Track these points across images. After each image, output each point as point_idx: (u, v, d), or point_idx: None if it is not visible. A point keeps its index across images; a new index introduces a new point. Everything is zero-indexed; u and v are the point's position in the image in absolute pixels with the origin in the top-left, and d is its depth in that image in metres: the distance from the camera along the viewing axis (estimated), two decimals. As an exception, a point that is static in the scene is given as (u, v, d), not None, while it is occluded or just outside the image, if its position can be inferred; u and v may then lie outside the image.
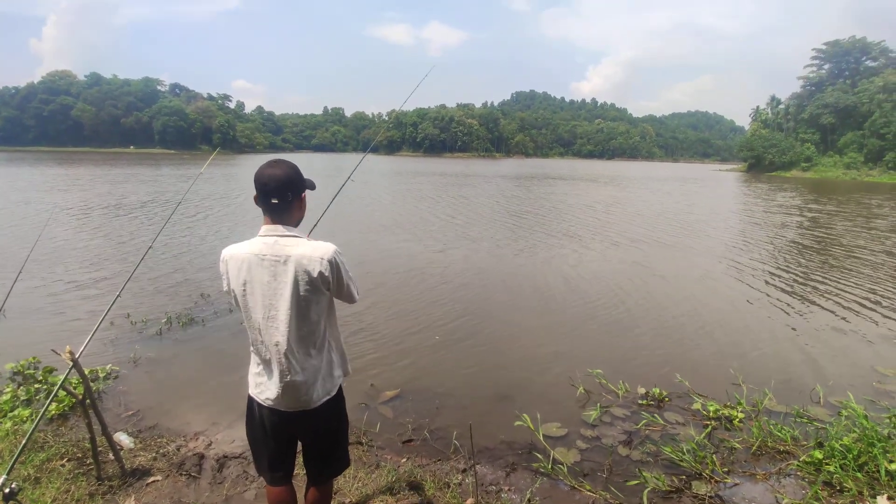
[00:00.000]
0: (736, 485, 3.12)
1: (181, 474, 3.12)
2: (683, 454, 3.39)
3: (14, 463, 2.12)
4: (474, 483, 3.02)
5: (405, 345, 5.60)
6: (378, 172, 43.70)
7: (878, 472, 2.98)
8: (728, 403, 4.19)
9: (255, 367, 1.98)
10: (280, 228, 1.84)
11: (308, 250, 1.81)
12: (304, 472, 2.20)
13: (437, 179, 36.96)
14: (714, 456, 3.39)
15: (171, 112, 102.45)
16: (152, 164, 49.17)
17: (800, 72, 77.91)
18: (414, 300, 7.26)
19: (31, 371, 4.16)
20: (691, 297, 7.82)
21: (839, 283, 8.85)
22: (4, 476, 1.91)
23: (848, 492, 2.90)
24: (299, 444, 2.15)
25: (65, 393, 3.41)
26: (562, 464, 3.35)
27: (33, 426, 2.22)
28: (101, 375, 4.48)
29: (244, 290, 1.85)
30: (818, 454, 3.22)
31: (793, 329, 6.45)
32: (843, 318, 6.87)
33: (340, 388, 2.08)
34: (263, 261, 1.81)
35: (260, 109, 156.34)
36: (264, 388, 1.94)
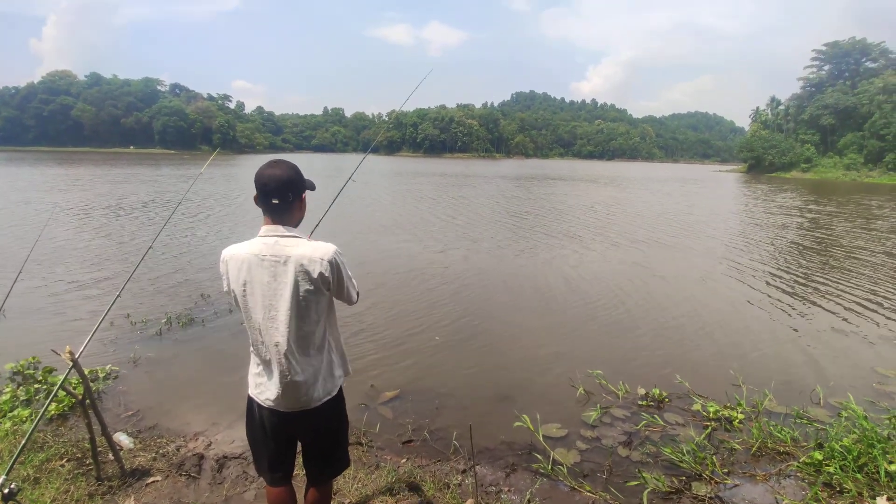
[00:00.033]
0: (736, 486, 3.12)
1: (181, 475, 3.11)
2: (683, 455, 3.39)
3: (13, 463, 2.12)
4: (474, 484, 3.02)
5: (405, 345, 5.60)
6: (378, 173, 43.71)
7: (878, 473, 2.98)
8: (728, 404, 4.18)
9: (255, 368, 1.98)
10: (280, 229, 1.84)
11: (308, 251, 1.81)
12: (304, 472, 2.20)
13: (437, 180, 36.96)
14: (714, 457, 3.39)
15: (171, 112, 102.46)
16: (152, 164, 49.18)
17: (800, 72, 78.09)
18: (414, 301, 7.26)
19: (31, 371, 4.16)
20: (691, 297, 7.82)
21: (839, 283, 8.85)
22: (4, 476, 1.91)
23: (848, 493, 2.90)
24: (299, 444, 2.15)
25: (64, 393, 3.41)
26: (562, 464, 3.35)
27: (33, 426, 2.22)
28: (101, 375, 4.48)
29: (244, 291, 1.85)
30: (818, 455, 3.22)
31: (793, 330, 6.44)
32: (844, 319, 6.87)
33: (341, 389, 2.08)
34: (263, 261, 1.81)
35: (260, 110, 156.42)
36: (264, 388, 1.94)
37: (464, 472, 3.23)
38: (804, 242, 13.59)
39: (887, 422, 3.67)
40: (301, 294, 1.81)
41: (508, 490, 3.08)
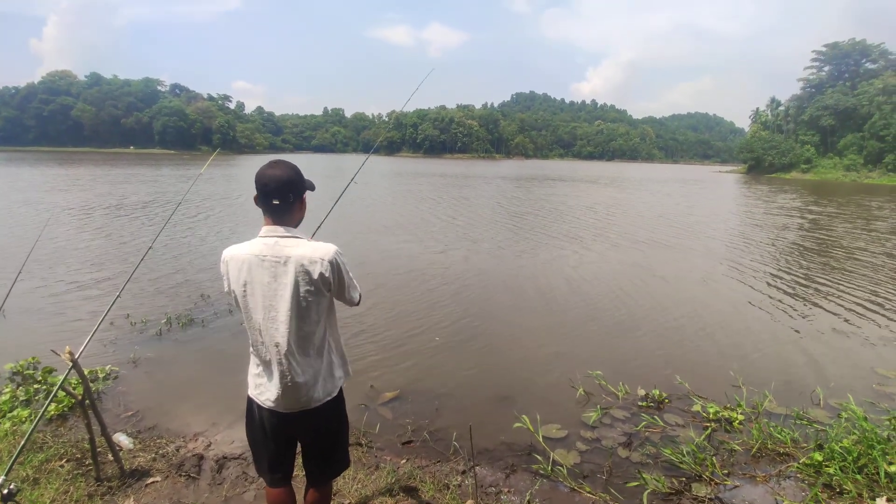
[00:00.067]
0: (736, 487, 3.12)
1: (180, 475, 3.11)
2: (683, 456, 3.39)
3: (13, 464, 2.12)
4: (474, 485, 3.02)
5: (405, 346, 5.59)
6: (378, 173, 43.71)
7: (878, 474, 2.98)
8: (728, 405, 4.18)
9: (254, 369, 1.98)
10: (280, 229, 1.84)
11: (309, 251, 1.81)
12: (304, 473, 2.19)
13: (437, 180, 36.97)
14: (714, 458, 3.39)
15: (171, 112, 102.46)
16: (152, 164, 49.18)
17: (799, 73, 78.14)
18: (415, 301, 7.26)
19: (31, 371, 4.15)
20: (692, 298, 7.82)
21: (839, 284, 8.85)
22: (3, 477, 1.91)
23: (848, 494, 2.90)
24: (299, 445, 2.15)
25: (64, 393, 3.41)
26: (561, 465, 3.35)
27: (32, 427, 2.22)
28: (101, 376, 4.47)
29: (244, 291, 1.85)
30: (818, 456, 3.22)
31: (793, 331, 6.44)
32: (844, 320, 6.87)
33: (341, 390, 2.08)
34: (264, 261, 1.81)
35: (260, 110, 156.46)
36: (264, 389, 1.94)
37: (463, 472, 3.23)
38: (805, 243, 13.59)
39: (887, 423, 3.67)
40: (301, 294, 1.81)
41: (508, 491, 3.08)
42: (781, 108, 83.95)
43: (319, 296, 1.85)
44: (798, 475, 3.19)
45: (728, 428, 3.87)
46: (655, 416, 4.03)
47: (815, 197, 31.49)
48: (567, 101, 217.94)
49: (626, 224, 16.34)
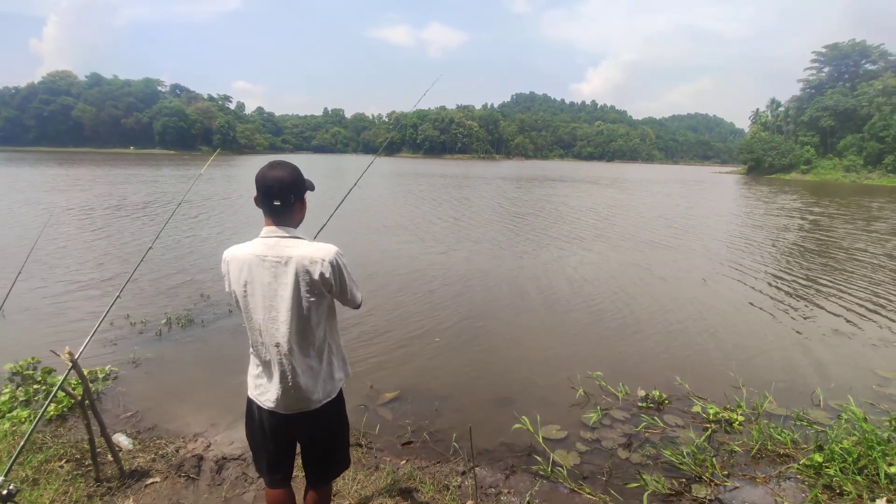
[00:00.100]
0: (736, 488, 3.12)
1: (180, 476, 3.11)
2: (683, 457, 3.38)
3: (12, 464, 2.12)
4: (473, 485, 3.02)
5: (405, 347, 5.59)
6: (378, 174, 43.70)
7: (878, 475, 2.98)
8: (728, 406, 4.18)
9: (254, 369, 1.98)
10: (281, 230, 1.84)
11: (310, 251, 1.81)
12: (304, 473, 2.19)
13: (437, 181, 36.98)
14: (714, 459, 3.38)
15: (171, 113, 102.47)
16: (153, 164, 49.19)
17: (799, 74, 78.21)
18: (416, 303, 7.26)
19: (30, 372, 4.15)
20: (692, 299, 7.82)
21: (840, 285, 8.85)
22: (2, 477, 1.90)
23: (848, 495, 2.89)
24: (299, 445, 2.14)
25: (64, 394, 3.41)
26: (561, 466, 3.35)
27: (32, 427, 2.22)
28: (101, 376, 4.47)
29: (245, 291, 1.85)
30: (818, 457, 3.22)
31: (793, 332, 6.44)
32: (844, 321, 6.87)
33: (341, 391, 2.08)
34: (264, 262, 1.81)
35: (260, 110, 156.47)
36: (264, 389, 1.94)
37: (463, 473, 3.23)
38: (805, 244, 13.59)
39: (887, 424, 3.67)
40: (302, 295, 1.81)
41: (508, 492, 3.08)
42: (781, 108, 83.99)
43: (320, 296, 1.85)
44: (798, 476, 3.19)
45: (728, 429, 3.86)
46: (655, 417, 4.03)
47: (816, 198, 31.50)
48: (567, 101, 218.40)
49: (626, 225, 16.34)
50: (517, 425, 3.80)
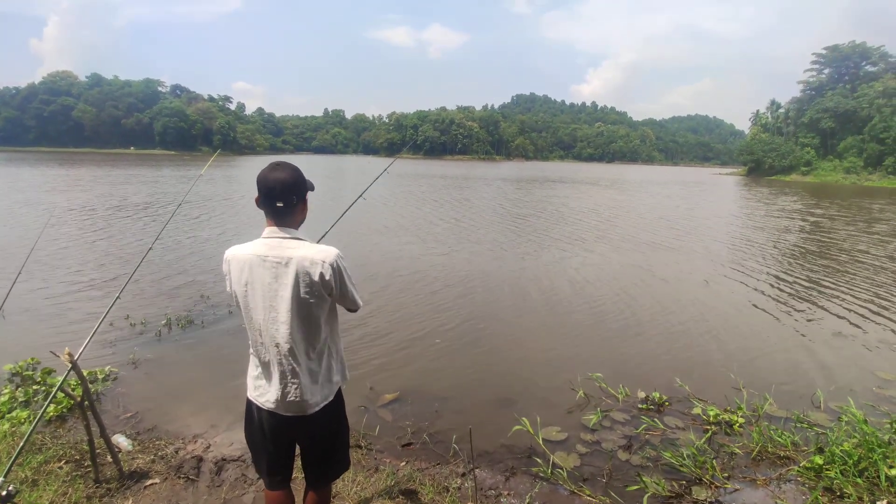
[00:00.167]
0: (736, 490, 3.11)
1: (179, 477, 3.10)
2: (683, 459, 3.38)
3: (11, 465, 2.11)
4: (473, 487, 3.01)
5: (407, 349, 5.59)
6: (377, 174, 43.69)
7: (879, 477, 2.97)
8: (728, 408, 4.17)
9: (254, 370, 1.98)
10: (283, 231, 1.84)
11: (310, 253, 1.81)
12: (304, 475, 2.19)
13: (438, 182, 36.99)
14: (714, 461, 3.38)
15: (171, 113, 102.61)
16: (153, 165, 49.23)
17: (800, 76, 78.33)
18: (417, 304, 7.25)
19: (30, 372, 4.14)
20: (693, 300, 7.81)
21: (841, 287, 8.85)
22: (2, 478, 1.90)
23: (848, 497, 2.89)
24: (298, 447, 2.14)
25: (63, 394, 3.40)
26: (561, 468, 3.34)
27: (31, 428, 2.22)
28: (100, 377, 4.47)
29: (245, 291, 1.85)
30: (818, 459, 3.21)
31: (794, 333, 6.44)
32: (845, 323, 6.86)
33: (340, 393, 2.08)
34: (265, 262, 1.81)
35: (260, 111, 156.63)
36: (263, 391, 1.93)
37: (463, 475, 3.22)
38: (806, 245, 13.59)
39: (888, 426, 3.66)
40: (302, 296, 1.81)
41: (508, 494, 3.07)
42: (781, 110, 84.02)
43: (320, 298, 1.85)
44: (798, 479, 3.18)
45: (728, 431, 3.86)
46: (655, 419, 4.02)
47: (816, 199, 31.50)
48: (567, 102, 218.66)
49: (627, 226, 16.34)
50: (517, 427, 3.79)
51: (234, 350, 5.20)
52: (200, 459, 3.32)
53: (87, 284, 7.69)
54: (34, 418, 3.48)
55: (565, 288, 8.35)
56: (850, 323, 6.87)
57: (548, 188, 34.57)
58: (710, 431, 3.83)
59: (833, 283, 9.13)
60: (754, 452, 3.49)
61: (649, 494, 3.05)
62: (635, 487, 3.15)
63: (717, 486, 3.13)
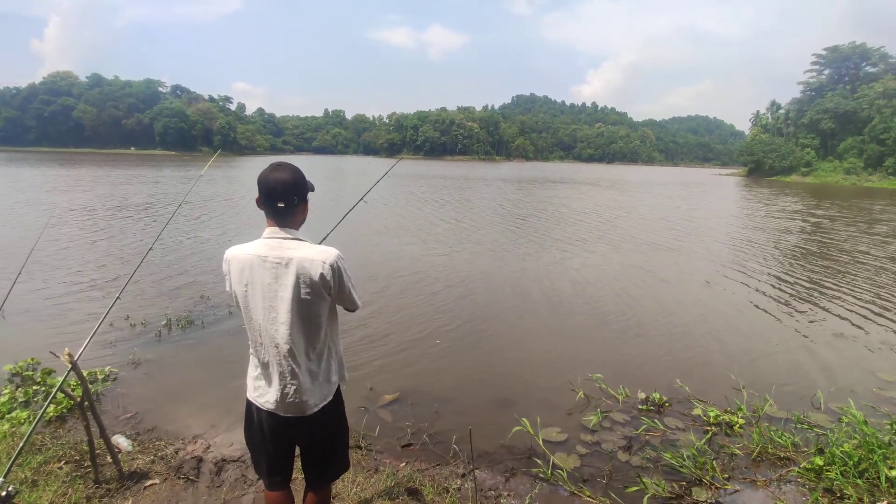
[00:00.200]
0: (736, 491, 3.11)
1: (179, 478, 3.10)
2: (684, 460, 3.38)
3: (11, 465, 2.11)
4: (473, 488, 3.01)
5: (407, 350, 5.58)
6: (378, 175, 43.71)
7: (879, 478, 2.97)
8: (728, 409, 4.17)
9: (253, 371, 1.98)
10: (283, 231, 1.85)
11: (311, 253, 1.81)
12: (303, 475, 2.19)
13: (438, 182, 36.99)
14: (714, 462, 3.37)
15: (172, 113, 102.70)
16: (153, 165, 49.25)
17: (800, 76, 78.33)
18: (418, 304, 7.25)
19: (30, 373, 4.15)
20: (694, 301, 7.81)
21: (842, 288, 8.84)
22: (2, 478, 1.90)
23: (848, 498, 2.88)
24: (298, 447, 2.14)
25: (63, 395, 3.40)
26: (561, 469, 3.34)
27: (31, 428, 2.22)
28: (100, 377, 4.47)
29: (245, 292, 1.86)
30: (819, 461, 3.21)
31: (795, 334, 6.43)
32: (846, 324, 6.86)
33: (339, 393, 2.08)
34: (265, 262, 1.81)
35: (261, 111, 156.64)
36: (263, 391, 1.93)
37: (463, 476, 3.22)
38: (807, 246, 13.59)
39: (888, 427, 3.66)
40: (302, 296, 1.81)
41: (508, 495, 3.07)
42: (781, 111, 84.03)
43: (320, 298, 1.85)
44: (799, 480, 3.18)
45: (728, 432, 3.85)
46: (656, 420, 4.02)
47: (817, 200, 31.49)
48: (567, 103, 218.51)
49: (628, 227, 16.34)
50: (517, 428, 3.79)
51: (234, 351, 5.20)
52: (200, 460, 3.32)
53: (87, 285, 7.69)
54: (34, 419, 3.48)
55: (566, 288, 8.35)
56: (852, 324, 6.87)
57: (548, 189, 34.57)
58: (711, 432, 3.83)
59: (834, 284, 9.12)
60: (754, 453, 3.49)
61: (649, 495, 3.05)
62: (635, 488, 3.14)
63: (717, 487, 3.13)
